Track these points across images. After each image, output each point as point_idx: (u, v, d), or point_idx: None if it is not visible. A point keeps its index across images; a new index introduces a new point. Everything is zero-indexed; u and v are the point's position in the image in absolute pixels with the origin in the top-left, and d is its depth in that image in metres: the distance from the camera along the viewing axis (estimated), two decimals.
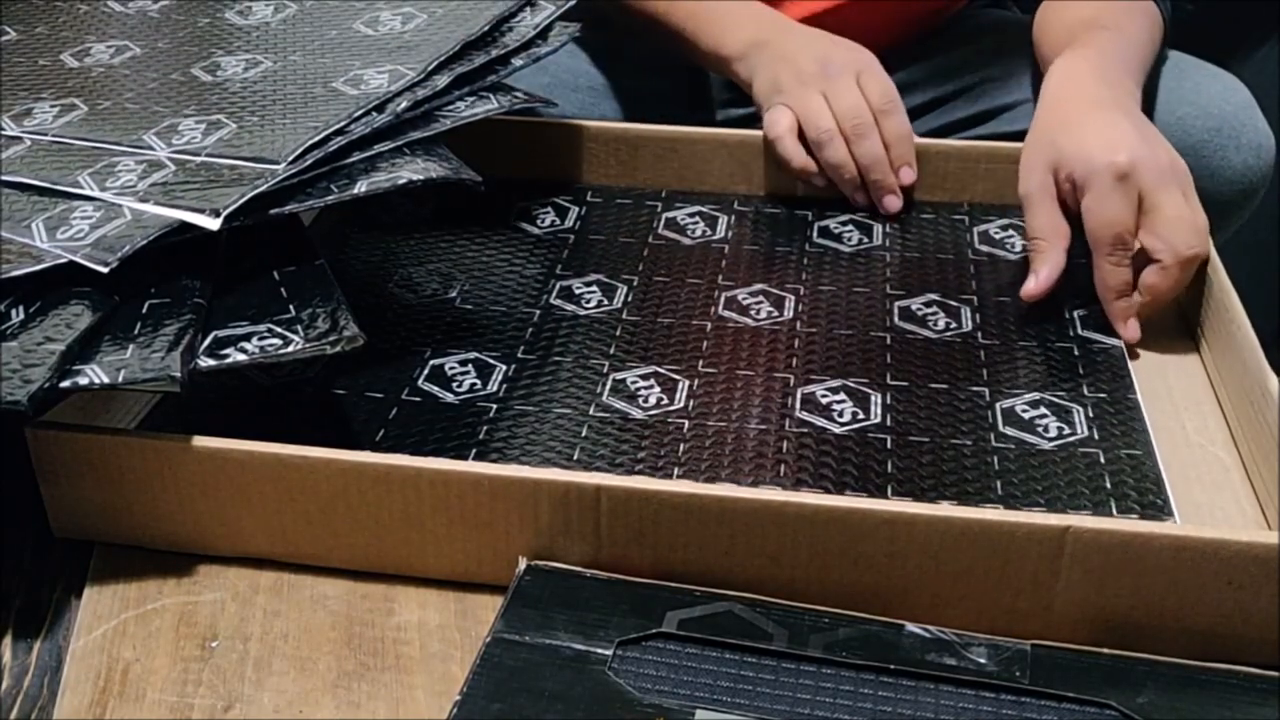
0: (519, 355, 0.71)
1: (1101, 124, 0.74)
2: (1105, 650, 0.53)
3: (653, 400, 0.67)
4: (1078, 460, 0.63)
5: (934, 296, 0.77)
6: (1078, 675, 0.52)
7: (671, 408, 0.67)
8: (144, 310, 0.59)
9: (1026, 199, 0.75)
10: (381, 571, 0.59)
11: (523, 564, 0.57)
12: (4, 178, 0.64)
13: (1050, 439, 0.64)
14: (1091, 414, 0.66)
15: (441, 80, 0.71)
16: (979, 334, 0.73)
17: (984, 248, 0.82)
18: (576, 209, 0.87)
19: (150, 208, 0.61)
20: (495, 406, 0.67)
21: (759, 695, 0.51)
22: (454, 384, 0.69)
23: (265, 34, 0.78)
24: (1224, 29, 1.13)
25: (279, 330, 0.59)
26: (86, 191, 0.62)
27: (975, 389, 0.68)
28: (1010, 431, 0.65)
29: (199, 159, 0.64)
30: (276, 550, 0.60)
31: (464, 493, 0.56)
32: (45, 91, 0.73)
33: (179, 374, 0.56)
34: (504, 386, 0.69)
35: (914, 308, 0.76)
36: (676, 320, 0.75)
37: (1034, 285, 0.74)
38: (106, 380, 0.56)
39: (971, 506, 0.58)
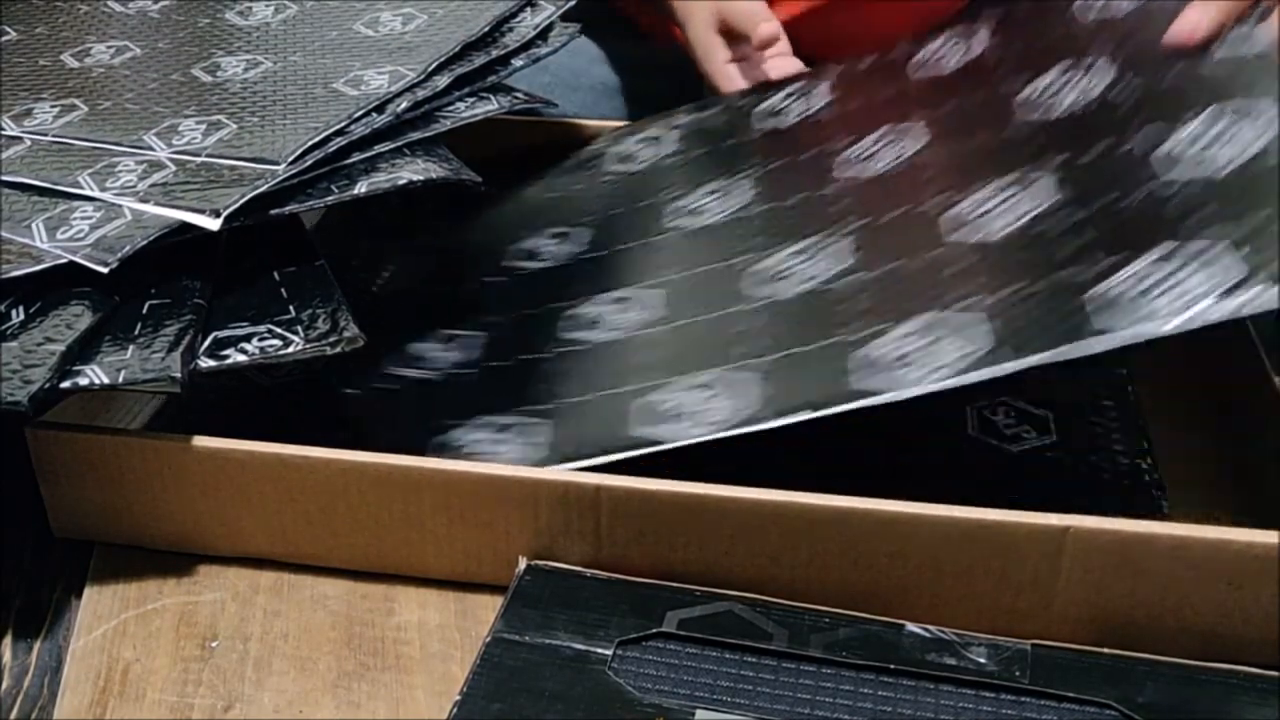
0: (493, 320, 0.72)
1: None
2: (1105, 650, 0.53)
3: (621, 320, 0.67)
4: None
5: (883, 130, 0.75)
6: (1078, 675, 0.52)
7: (643, 318, 0.67)
8: (144, 311, 0.59)
9: None
10: (381, 571, 0.59)
11: (523, 564, 0.57)
12: (4, 178, 0.64)
13: None
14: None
15: (442, 81, 0.71)
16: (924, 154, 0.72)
17: None
18: (526, 175, 0.87)
19: (150, 208, 0.61)
20: (477, 372, 0.67)
21: (759, 695, 0.51)
22: (429, 362, 0.69)
23: (265, 34, 0.78)
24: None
25: (279, 331, 0.59)
26: (87, 192, 0.62)
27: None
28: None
29: (199, 159, 0.64)
30: (276, 550, 0.60)
31: (464, 493, 0.56)
32: (45, 92, 0.73)
33: (179, 374, 0.56)
34: (479, 353, 0.69)
35: (855, 156, 0.74)
36: (635, 244, 0.74)
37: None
38: (107, 381, 0.56)
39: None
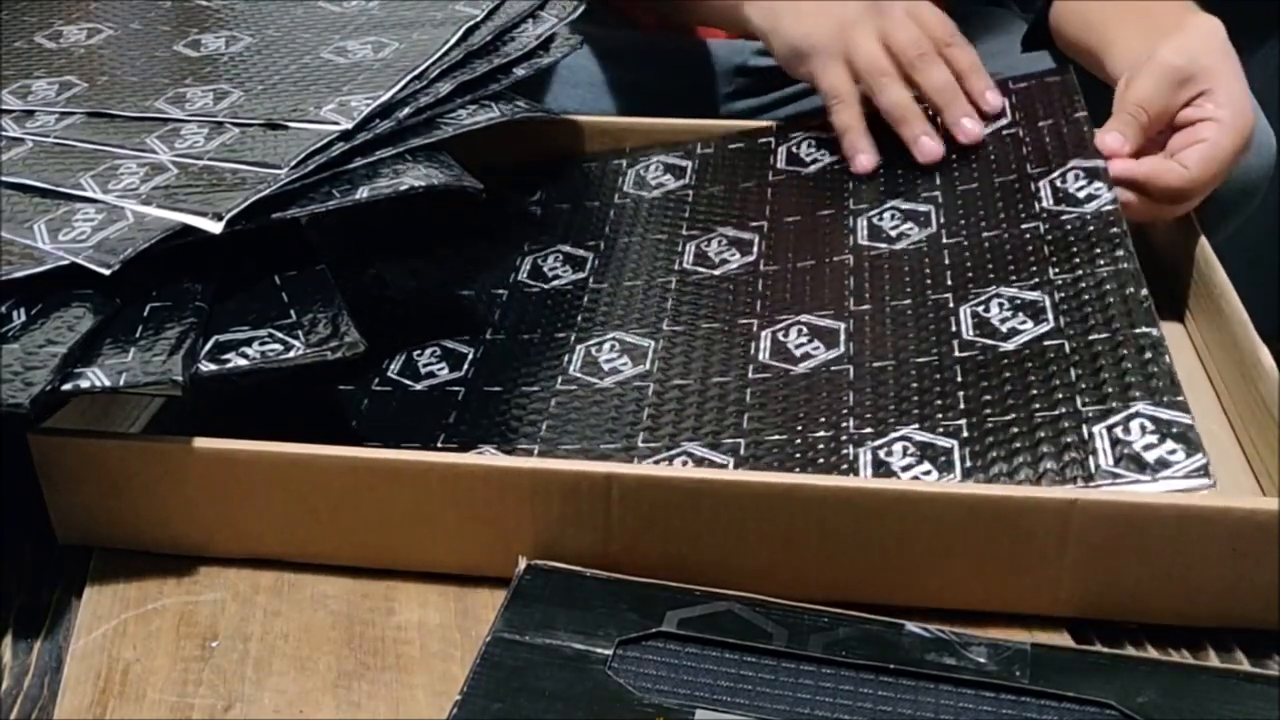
0: (487, 338, 0.72)
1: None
2: (1105, 650, 0.53)
3: (618, 367, 0.67)
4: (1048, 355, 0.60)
5: (897, 204, 0.74)
6: (1078, 675, 0.52)
7: (637, 372, 0.67)
8: (145, 313, 0.59)
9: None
10: (389, 567, 0.59)
11: (522, 563, 0.57)
12: (6, 179, 0.64)
13: (1014, 339, 0.62)
14: (1058, 300, 0.63)
15: (444, 87, 0.72)
16: (943, 234, 0.71)
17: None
18: (546, 181, 0.86)
19: (153, 210, 0.61)
20: (463, 390, 0.67)
21: (759, 695, 0.51)
22: (423, 371, 0.69)
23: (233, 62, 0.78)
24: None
25: (280, 335, 0.59)
26: (89, 193, 0.62)
27: (939, 297, 0.66)
28: (976, 338, 0.63)
29: (201, 162, 0.64)
30: (282, 549, 0.60)
31: (473, 486, 0.56)
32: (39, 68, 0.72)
33: (180, 377, 0.56)
34: (471, 370, 0.69)
35: (877, 220, 0.74)
36: (642, 282, 0.74)
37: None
38: (108, 383, 0.56)
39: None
